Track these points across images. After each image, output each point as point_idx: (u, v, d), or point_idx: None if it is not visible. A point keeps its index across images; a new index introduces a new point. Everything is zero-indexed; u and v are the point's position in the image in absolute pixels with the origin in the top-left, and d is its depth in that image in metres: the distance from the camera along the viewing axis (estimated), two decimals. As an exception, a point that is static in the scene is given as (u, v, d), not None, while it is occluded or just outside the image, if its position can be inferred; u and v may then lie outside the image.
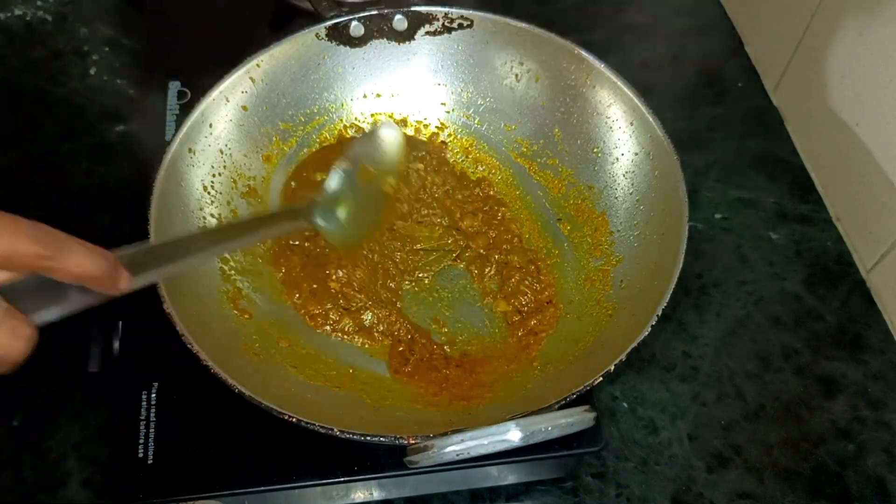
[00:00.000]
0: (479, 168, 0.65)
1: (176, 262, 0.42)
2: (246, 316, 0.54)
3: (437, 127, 0.66)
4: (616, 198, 0.59)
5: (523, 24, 0.62)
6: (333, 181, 0.55)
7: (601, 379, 0.45)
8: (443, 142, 0.66)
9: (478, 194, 0.63)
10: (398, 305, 0.58)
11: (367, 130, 0.64)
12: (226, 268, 0.56)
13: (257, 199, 0.61)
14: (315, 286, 0.57)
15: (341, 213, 0.55)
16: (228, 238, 0.48)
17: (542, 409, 0.44)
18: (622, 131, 0.59)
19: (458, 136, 0.66)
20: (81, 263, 0.34)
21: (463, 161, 0.66)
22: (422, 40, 0.64)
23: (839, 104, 0.68)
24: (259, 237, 0.51)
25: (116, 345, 0.55)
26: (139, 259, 0.38)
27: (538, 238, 0.62)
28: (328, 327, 0.56)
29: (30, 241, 0.32)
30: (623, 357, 0.46)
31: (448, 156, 0.65)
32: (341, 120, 0.65)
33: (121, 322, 0.55)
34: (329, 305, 0.57)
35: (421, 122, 0.66)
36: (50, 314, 0.35)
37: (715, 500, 0.57)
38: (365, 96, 0.65)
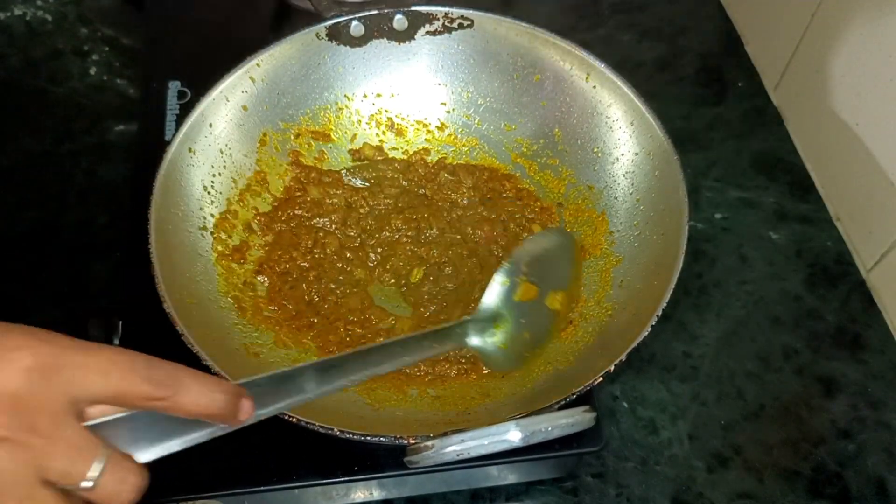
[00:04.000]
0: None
1: (307, 393, 0.37)
2: (247, 316, 0.54)
3: (437, 127, 0.66)
4: (616, 198, 0.59)
5: (523, 24, 0.62)
6: (491, 296, 0.49)
7: (601, 379, 0.45)
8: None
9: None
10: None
11: (532, 236, 0.57)
12: (226, 271, 0.56)
13: (257, 199, 0.61)
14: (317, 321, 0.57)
15: (499, 336, 0.49)
16: (365, 367, 0.41)
17: (542, 409, 0.44)
18: (622, 131, 0.59)
19: (459, 136, 0.66)
20: (199, 402, 0.32)
21: (464, 160, 0.66)
22: (422, 40, 0.64)
23: (839, 104, 0.68)
24: (405, 363, 0.44)
25: (116, 345, 0.55)
26: (263, 390, 0.35)
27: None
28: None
29: (143, 381, 0.30)
30: (623, 357, 0.46)
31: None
32: (341, 120, 0.65)
33: (121, 322, 0.55)
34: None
35: (421, 121, 0.66)
36: (164, 450, 0.32)
37: (715, 500, 0.57)
38: (365, 96, 0.65)
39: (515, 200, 0.63)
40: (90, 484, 0.30)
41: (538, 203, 0.63)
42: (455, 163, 0.65)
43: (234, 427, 0.34)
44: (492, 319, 0.50)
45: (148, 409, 0.32)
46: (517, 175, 0.64)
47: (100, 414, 0.31)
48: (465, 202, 0.63)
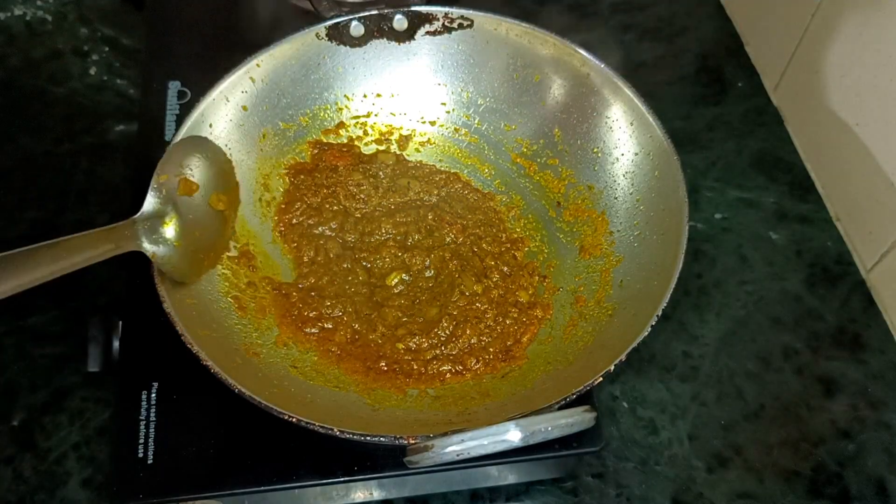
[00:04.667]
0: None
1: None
2: (247, 316, 0.54)
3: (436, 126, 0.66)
4: (616, 198, 0.59)
5: (523, 24, 0.62)
6: (151, 198, 0.51)
7: (601, 379, 0.45)
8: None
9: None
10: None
11: (179, 140, 0.56)
12: (227, 272, 0.56)
13: (257, 200, 0.61)
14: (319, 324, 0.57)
15: (169, 230, 0.50)
16: (38, 264, 0.43)
17: (542, 409, 0.44)
18: (622, 131, 0.59)
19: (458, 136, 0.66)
20: None
21: (463, 160, 0.66)
22: (422, 40, 0.64)
23: (839, 104, 0.68)
24: (72, 264, 0.45)
25: (116, 345, 0.55)
26: None
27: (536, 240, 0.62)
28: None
29: None
30: (623, 357, 0.46)
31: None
32: (341, 120, 0.65)
33: (121, 322, 0.55)
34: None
35: (421, 121, 0.66)
36: None
37: (715, 500, 0.57)
38: (365, 96, 0.65)
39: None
40: None
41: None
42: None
43: None
44: (160, 216, 0.51)
45: None
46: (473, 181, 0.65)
47: None
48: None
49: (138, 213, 0.50)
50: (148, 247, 0.49)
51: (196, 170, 0.54)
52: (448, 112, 0.66)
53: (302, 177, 0.63)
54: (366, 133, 0.66)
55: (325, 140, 0.65)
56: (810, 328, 0.65)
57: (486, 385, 0.54)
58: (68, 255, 0.45)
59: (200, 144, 0.56)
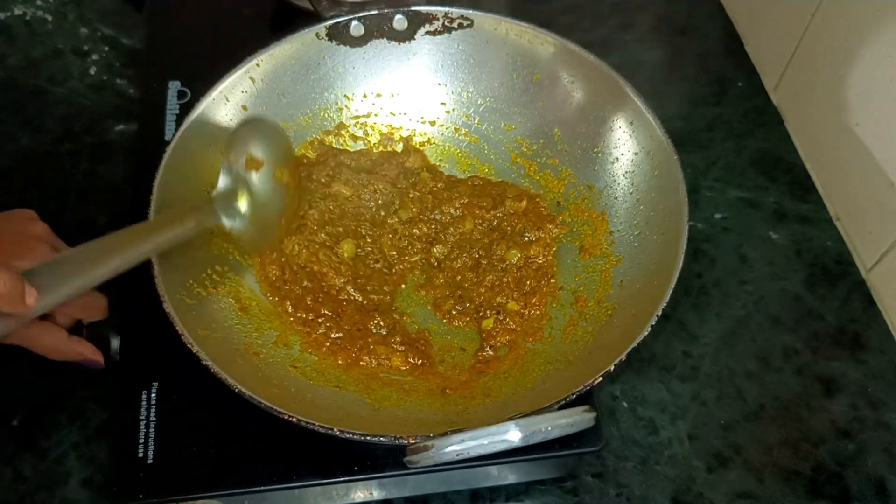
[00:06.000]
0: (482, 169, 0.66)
1: (87, 276, 0.41)
2: (247, 315, 0.54)
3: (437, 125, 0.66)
4: (616, 198, 0.59)
5: (523, 24, 0.62)
6: (222, 176, 0.54)
7: (601, 379, 0.45)
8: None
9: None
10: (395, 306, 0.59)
11: (244, 122, 0.60)
12: (224, 270, 0.56)
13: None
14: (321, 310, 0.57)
15: (242, 205, 0.54)
16: (135, 244, 0.46)
17: (542, 409, 0.44)
18: (622, 131, 0.59)
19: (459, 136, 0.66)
20: None
21: (461, 160, 0.66)
22: (422, 40, 0.64)
23: (839, 104, 0.68)
24: (168, 239, 0.49)
25: (116, 345, 0.55)
26: (47, 273, 0.36)
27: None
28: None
29: None
30: (623, 357, 0.46)
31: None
32: (341, 120, 0.65)
33: (121, 322, 0.55)
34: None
35: (420, 121, 0.66)
36: None
37: (715, 500, 0.57)
38: (365, 96, 0.65)
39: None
40: None
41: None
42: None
43: (23, 316, 0.36)
44: (233, 192, 0.54)
45: None
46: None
47: None
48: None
49: (214, 191, 0.54)
50: (226, 221, 0.53)
51: (259, 147, 0.56)
52: (448, 112, 0.66)
53: (303, 176, 0.63)
54: (366, 133, 0.66)
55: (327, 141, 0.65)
56: (810, 328, 0.65)
57: (486, 385, 0.54)
58: (157, 235, 0.48)
59: (261, 122, 0.59)
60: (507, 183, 0.64)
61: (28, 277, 0.36)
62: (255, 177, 0.55)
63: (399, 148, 0.66)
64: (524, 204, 0.61)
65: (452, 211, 0.62)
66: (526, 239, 0.60)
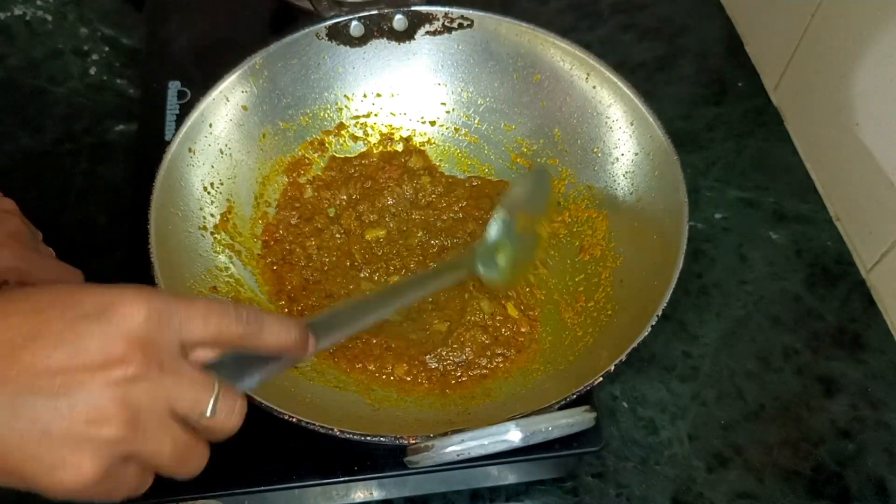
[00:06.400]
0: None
1: (354, 324, 0.44)
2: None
3: (437, 125, 0.66)
4: (616, 198, 0.59)
5: (523, 24, 0.62)
6: (493, 230, 0.56)
7: (601, 379, 0.45)
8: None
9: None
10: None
11: (519, 177, 0.64)
12: (223, 273, 0.56)
13: (258, 200, 0.61)
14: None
15: (501, 259, 0.56)
16: (400, 296, 0.48)
17: (542, 409, 0.44)
18: (622, 131, 0.59)
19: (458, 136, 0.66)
20: (279, 337, 0.36)
21: (459, 161, 0.66)
22: (422, 40, 0.64)
23: (839, 104, 0.68)
24: (429, 290, 0.52)
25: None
26: (323, 325, 0.40)
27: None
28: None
29: (235, 321, 0.34)
30: (623, 357, 0.46)
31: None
32: (341, 120, 0.65)
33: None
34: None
35: (420, 121, 0.66)
36: (251, 382, 0.37)
37: (715, 500, 0.57)
38: (365, 96, 0.65)
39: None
40: (210, 412, 0.34)
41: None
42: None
43: (301, 359, 0.39)
44: (497, 247, 0.56)
45: (238, 347, 0.35)
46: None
47: (201, 358, 0.35)
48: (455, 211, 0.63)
49: (478, 242, 0.56)
50: (482, 271, 0.54)
51: (532, 203, 0.58)
52: (448, 112, 0.66)
53: (302, 175, 0.63)
54: (366, 133, 0.66)
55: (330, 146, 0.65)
56: (810, 328, 0.65)
57: (486, 385, 0.54)
58: (429, 286, 0.51)
59: (541, 177, 0.61)
60: (508, 183, 0.64)
61: (309, 326, 0.39)
62: (520, 233, 0.57)
63: (399, 148, 0.66)
64: None
65: (452, 215, 0.62)
66: None
